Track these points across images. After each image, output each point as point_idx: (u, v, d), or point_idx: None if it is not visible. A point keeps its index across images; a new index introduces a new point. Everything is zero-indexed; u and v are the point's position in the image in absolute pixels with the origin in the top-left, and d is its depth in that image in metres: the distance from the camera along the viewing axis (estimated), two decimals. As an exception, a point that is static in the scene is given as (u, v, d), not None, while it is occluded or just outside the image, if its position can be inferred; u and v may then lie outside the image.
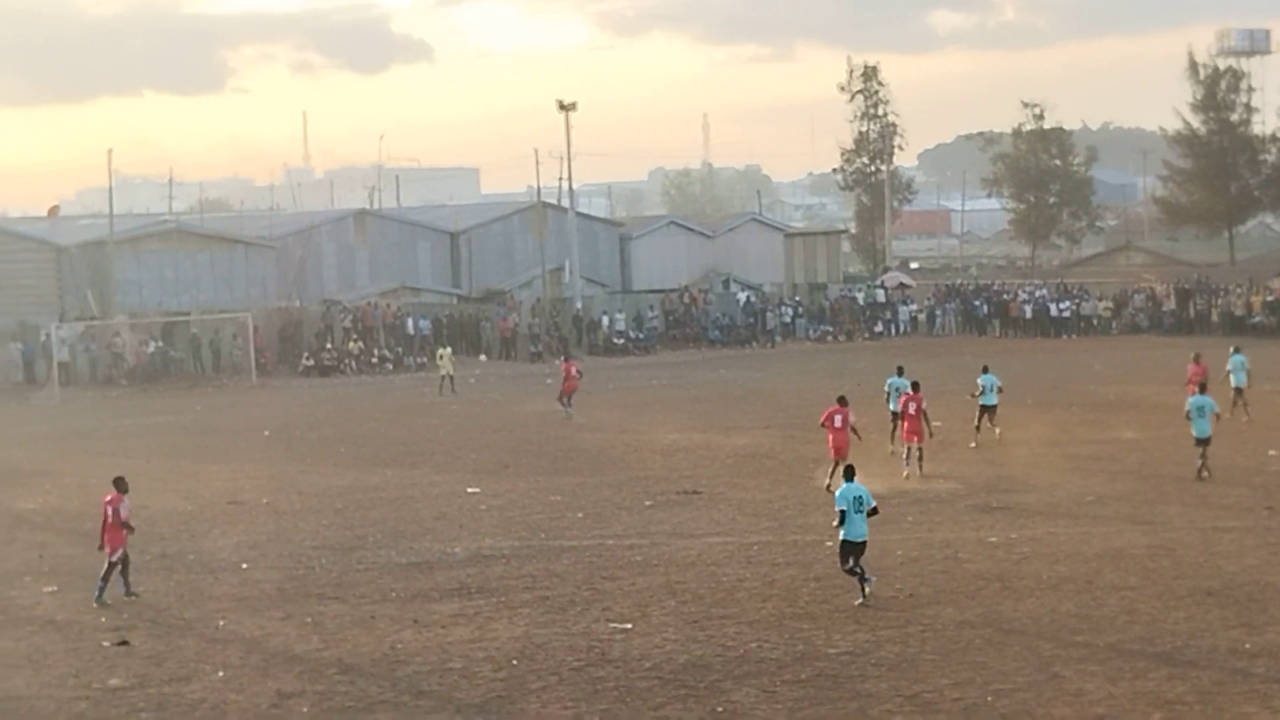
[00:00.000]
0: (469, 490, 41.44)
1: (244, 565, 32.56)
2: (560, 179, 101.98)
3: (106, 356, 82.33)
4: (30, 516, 40.17)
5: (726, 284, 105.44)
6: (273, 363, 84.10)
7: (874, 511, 27.83)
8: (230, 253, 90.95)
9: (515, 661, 24.22)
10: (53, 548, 35.51)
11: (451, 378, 70.45)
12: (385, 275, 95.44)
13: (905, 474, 41.17)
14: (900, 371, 46.48)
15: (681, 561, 31.52)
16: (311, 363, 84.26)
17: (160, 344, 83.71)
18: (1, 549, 35.60)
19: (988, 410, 46.52)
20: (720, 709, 21.42)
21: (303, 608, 28.52)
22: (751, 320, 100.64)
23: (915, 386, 42.87)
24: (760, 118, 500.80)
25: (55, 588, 30.95)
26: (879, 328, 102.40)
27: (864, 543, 27.62)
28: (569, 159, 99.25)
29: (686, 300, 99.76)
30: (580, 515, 37.09)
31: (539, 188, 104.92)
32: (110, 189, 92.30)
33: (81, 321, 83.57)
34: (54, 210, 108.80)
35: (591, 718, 21.20)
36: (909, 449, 41.85)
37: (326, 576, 31.28)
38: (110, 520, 29.74)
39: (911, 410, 41.83)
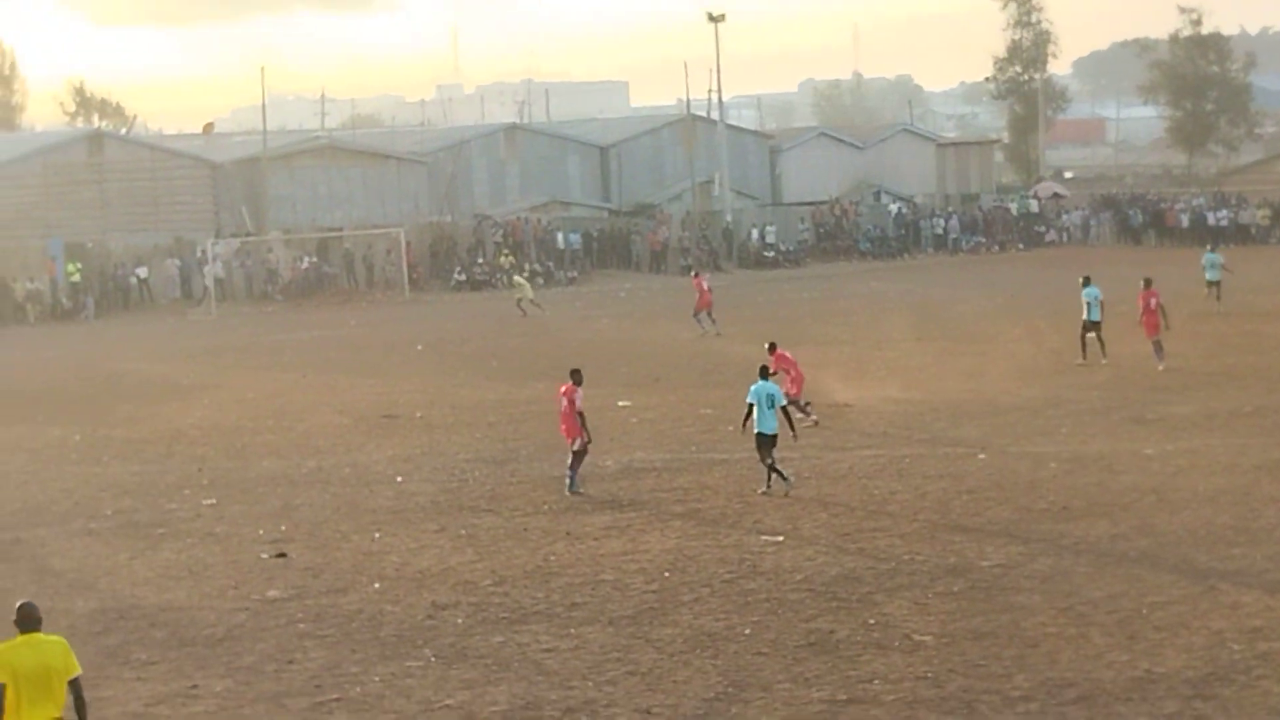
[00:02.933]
0: (620, 404, 41.56)
1: (399, 479, 32.89)
2: (710, 91, 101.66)
3: (261, 272, 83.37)
4: (188, 431, 40.77)
5: (878, 196, 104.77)
6: (424, 278, 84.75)
7: (784, 409, 30.07)
8: (382, 168, 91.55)
9: (667, 574, 24.31)
10: (211, 461, 36.04)
11: (534, 302, 69.27)
12: (535, 190, 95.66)
13: (1160, 367, 43.13)
14: (1087, 281, 45.72)
15: (833, 474, 31.47)
16: (463, 277, 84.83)
17: (314, 259, 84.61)
18: (161, 463, 36.19)
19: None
20: (872, 621, 21.40)
21: (457, 520, 28.78)
22: (903, 232, 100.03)
23: (1148, 283, 45.01)
24: (911, 27, 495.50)
25: (214, 500, 31.42)
26: (1032, 238, 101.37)
27: (775, 435, 29.54)
28: (718, 71, 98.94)
29: (837, 212, 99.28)
30: (731, 429, 37.05)
31: (688, 100, 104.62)
32: (264, 106, 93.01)
33: (237, 238, 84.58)
34: (209, 128, 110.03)
35: (743, 629, 21.24)
36: (1155, 343, 43.97)
37: (480, 489, 31.53)
38: (566, 410, 30.33)
39: (1151, 305, 44.22)
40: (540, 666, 20.13)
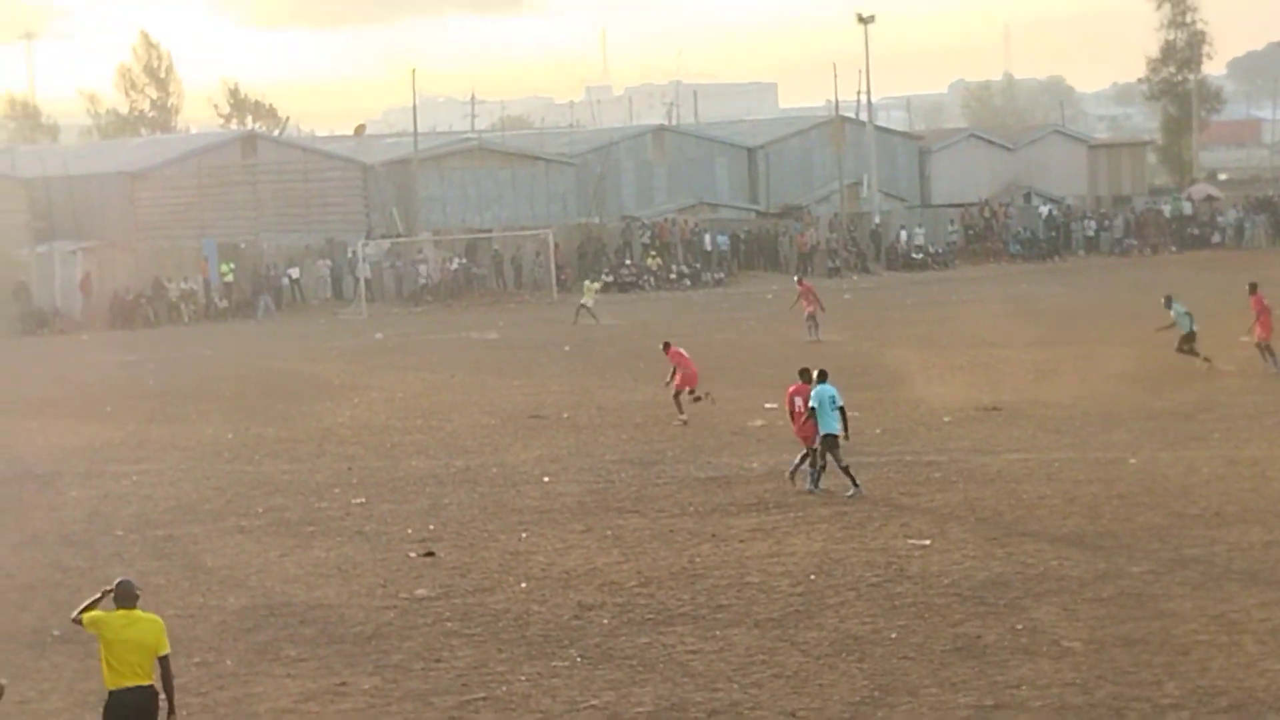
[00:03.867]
0: (766, 405, 41.44)
1: (545, 479, 33.03)
2: (859, 93, 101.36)
3: (411, 273, 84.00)
4: (339, 430, 41.17)
5: (1028, 197, 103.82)
6: (572, 278, 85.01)
7: (842, 409, 30.06)
8: (531, 170, 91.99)
9: (813, 576, 24.24)
10: (361, 460, 36.37)
11: (589, 309, 68.90)
12: (683, 191, 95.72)
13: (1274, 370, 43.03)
14: (1169, 301, 45.36)
15: (981, 478, 31.23)
16: (610, 278, 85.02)
17: (463, 260, 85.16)
18: (312, 461, 36.57)
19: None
20: (1020, 626, 21.22)
21: (603, 521, 28.85)
22: (1053, 234, 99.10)
23: (1254, 288, 44.77)
24: (1063, 26, 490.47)
25: (364, 499, 31.71)
26: (1186, 241, 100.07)
27: (837, 436, 29.91)
28: (868, 72, 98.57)
29: (987, 214, 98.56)
30: (878, 431, 36.92)
31: (837, 102, 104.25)
32: (414, 108, 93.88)
33: (387, 239, 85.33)
34: (360, 129, 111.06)
35: (889, 633, 21.14)
36: (1263, 347, 43.66)
37: (626, 490, 31.59)
38: (800, 410, 30.44)
39: (1262, 307, 43.99)
40: (685, 668, 20.14)
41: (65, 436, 41.70)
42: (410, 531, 28.64)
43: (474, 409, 43.69)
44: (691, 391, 40.31)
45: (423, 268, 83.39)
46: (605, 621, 22.33)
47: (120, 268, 79.34)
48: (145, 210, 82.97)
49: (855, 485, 29.89)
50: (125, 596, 15.96)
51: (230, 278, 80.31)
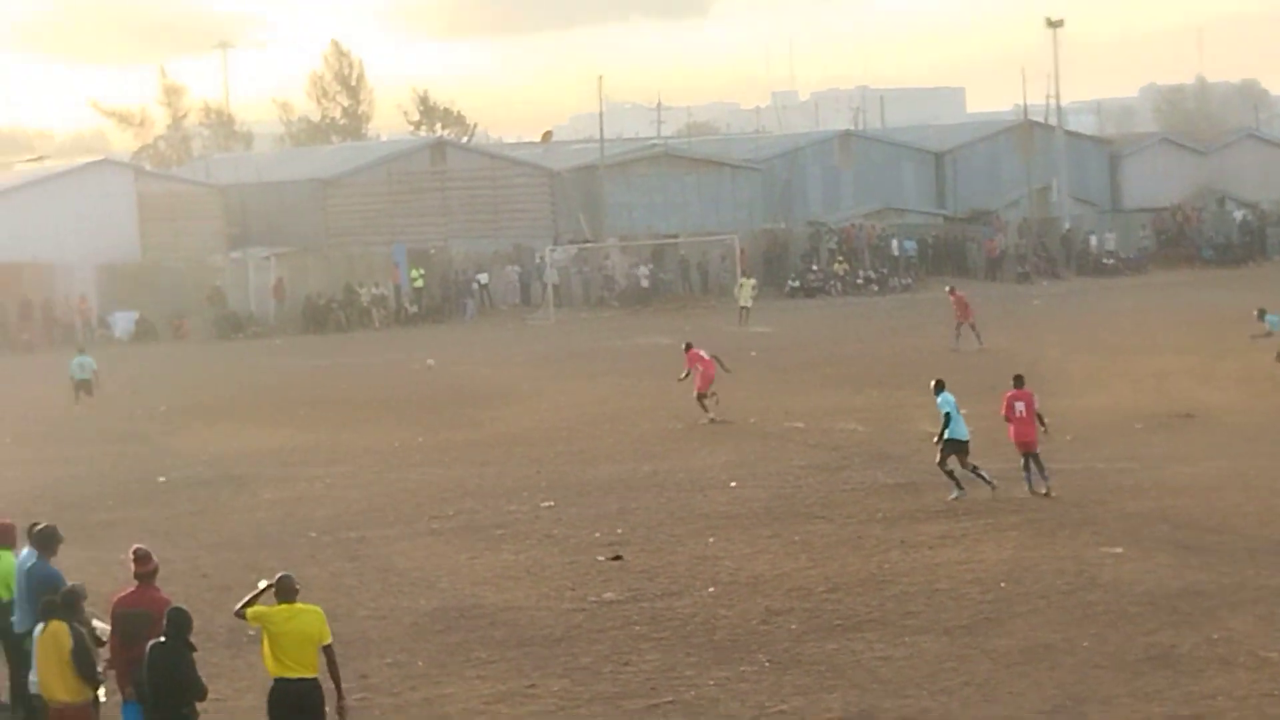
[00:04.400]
0: (955, 412, 41.15)
1: (732, 483, 33.04)
2: (1048, 97, 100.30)
3: (598, 278, 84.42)
4: (528, 434, 41.47)
5: (1221, 202, 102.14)
6: (759, 284, 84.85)
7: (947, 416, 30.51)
8: (717, 176, 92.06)
9: (1003, 584, 24.03)
10: (549, 464, 36.59)
11: (748, 310, 69.36)
12: (870, 196, 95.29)
13: None
14: (1262, 313, 44.36)
15: (1174, 486, 30.79)
16: (797, 284, 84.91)
17: (650, 266, 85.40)
18: (501, 465, 36.86)
19: None
20: (1215, 636, 20.89)
21: (790, 526, 28.81)
22: (1248, 239, 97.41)
23: None
24: (1257, 28, 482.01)
25: (552, 503, 31.91)
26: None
27: (969, 440, 30.39)
28: (1056, 76, 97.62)
29: (1179, 219, 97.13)
30: (1069, 438, 36.49)
31: (1026, 106, 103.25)
32: (601, 114, 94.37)
33: (574, 244, 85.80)
34: (547, 136, 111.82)
35: (1081, 642, 20.90)
36: None
37: (814, 495, 31.53)
38: (1023, 415, 30.43)
39: None
40: (874, 674, 20.06)
41: (260, 440, 42.38)
42: (598, 535, 28.78)
43: (661, 413, 43.80)
44: (703, 394, 42.08)
45: (611, 272, 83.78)
46: (793, 627, 22.30)
47: (312, 273, 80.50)
48: (337, 216, 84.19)
49: (960, 489, 30.25)
50: (286, 590, 16.60)
51: (420, 283, 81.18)
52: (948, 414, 30.51)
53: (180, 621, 15.93)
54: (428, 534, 29.65)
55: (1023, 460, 30.54)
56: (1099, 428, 38.02)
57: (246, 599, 16.94)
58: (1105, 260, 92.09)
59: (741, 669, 20.50)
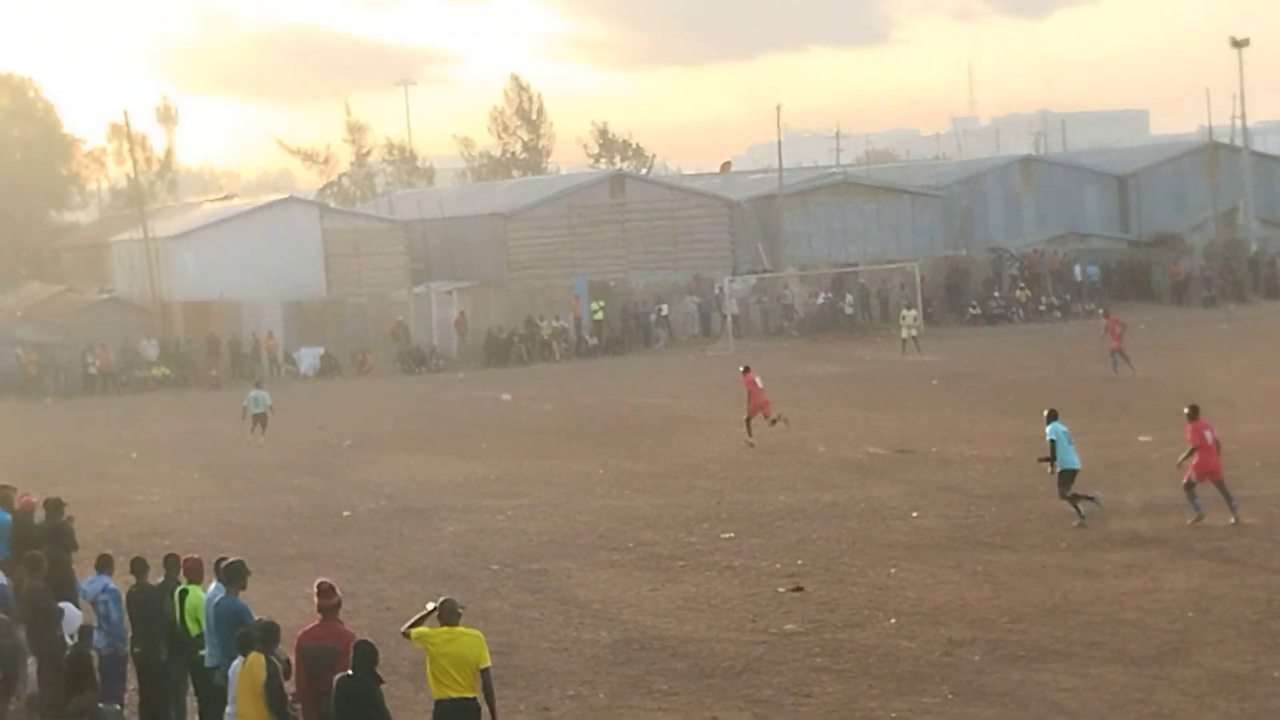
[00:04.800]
0: (1140, 439, 40.64)
1: (914, 513, 32.82)
2: (1234, 118, 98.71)
3: (777, 308, 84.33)
4: (707, 464, 41.47)
5: None
6: (939, 312, 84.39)
7: (1053, 443, 30.88)
8: (896, 203, 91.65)
9: (1190, 613, 23.65)
10: (728, 495, 36.57)
11: (915, 339, 69.11)
12: (1052, 221, 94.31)
13: None
14: None
15: (1368, 513, 30.12)
16: (978, 311, 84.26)
17: (829, 295, 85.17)
18: (680, 496, 36.89)
19: None
20: None
21: (972, 556, 28.56)
22: None
23: None
24: None
25: (732, 534, 31.87)
26: None
27: (1078, 470, 30.80)
28: (1242, 96, 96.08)
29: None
30: (1258, 464, 35.89)
31: (1211, 127, 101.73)
32: (779, 144, 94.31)
33: (753, 274, 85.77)
34: (726, 166, 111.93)
35: (1271, 672, 20.51)
36: None
37: (995, 525, 31.23)
38: (1211, 444, 30.25)
39: None
40: (1059, 706, 19.83)
41: (442, 472, 42.77)
42: (778, 566, 28.70)
43: (840, 443, 43.63)
44: (767, 417, 44.14)
45: (790, 301, 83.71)
46: (976, 658, 22.10)
47: (494, 306, 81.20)
48: (517, 250, 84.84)
49: (1081, 516, 30.53)
50: (448, 614, 17.15)
51: (600, 315, 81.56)
52: (1053, 441, 30.87)
53: (367, 654, 16.15)
54: (608, 565, 29.73)
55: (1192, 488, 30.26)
56: (1290, 454, 37.32)
57: (412, 620, 17.44)
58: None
59: (924, 700, 20.34)
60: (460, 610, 17.28)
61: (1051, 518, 31.42)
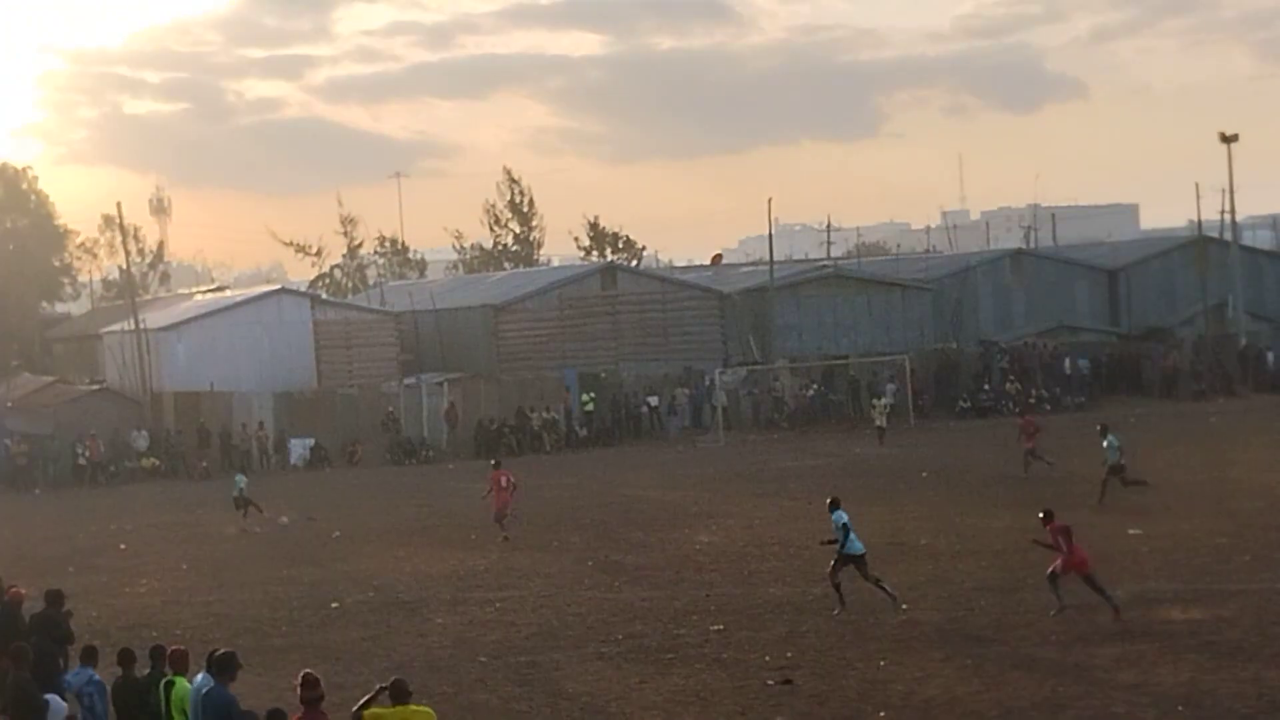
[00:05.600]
0: (1130, 531, 40.64)
1: (904, 606, 32.75)
2: (1223, 212, 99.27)
3: (768, 400, 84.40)
4: (696, 556, 41.42)
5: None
6: (930, 405, 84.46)
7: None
8: (887, 296, 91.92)
9: (1180, 708, 23.58)
10: (718, 587, 36.51)
11: (882, 431, 70.18)
12: (1042, 315, 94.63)
13: None
14: None
15: (1359, 607, 30.09)
16: (968, 404, 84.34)
17: (819, 387, 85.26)
18: (670, 588, 36.83)
19: None
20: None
21: (962, 649, 28.50)
22: None
23: None
24: None
25: (722, 626, 31.81)
26: None
27: (864, 554, 32.41)
28: (1231, 191, 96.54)
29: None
30: (1247, 558, 35.88)
31: (1200, 222, 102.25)
32: (770, 236, 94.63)
33: (744, 366, 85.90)
34: (717, 258, 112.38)
35: (1263, 767, 20.45)
36: None
37: (986, 618, 31.17)
38: (1072, 543, 31.06)
39: None
40: (1049, 801, 19.73)
41: (432, 564, 42.69)
42: (768, 659, 28.64)
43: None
44: (501, 517, 45.87)
45: (780, 393, 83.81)
46: (965, 752, 22.00)
47: (484, 398, 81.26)
48: (508, 341, 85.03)
49: (893, 597, 32.39)
50: (400, 692, 17.86)
51: (590, 407, 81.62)
52: (844, 526, 32.26)
53: None
54: (597, 658, 29.65)
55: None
56: (1279, 548, 37.29)
57: (364, 700, 17.91)
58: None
59: (913, 795, 20.25)
60: (410, 689, 17.89)
61: (1042, 610, 31.36)
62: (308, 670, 18.33)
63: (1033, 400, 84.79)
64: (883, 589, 32.35)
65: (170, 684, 20.12)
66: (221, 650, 19.62)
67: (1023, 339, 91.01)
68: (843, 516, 32.47)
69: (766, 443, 76.17)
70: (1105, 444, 47.39)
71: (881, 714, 24.31)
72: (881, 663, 27.79)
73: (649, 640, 30.96)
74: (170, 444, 77.12)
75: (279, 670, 28.48)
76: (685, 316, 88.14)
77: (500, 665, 29.48)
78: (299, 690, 17.74)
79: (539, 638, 31.92)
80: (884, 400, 75.29)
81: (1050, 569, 31.04)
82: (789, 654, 28.92)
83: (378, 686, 17.98)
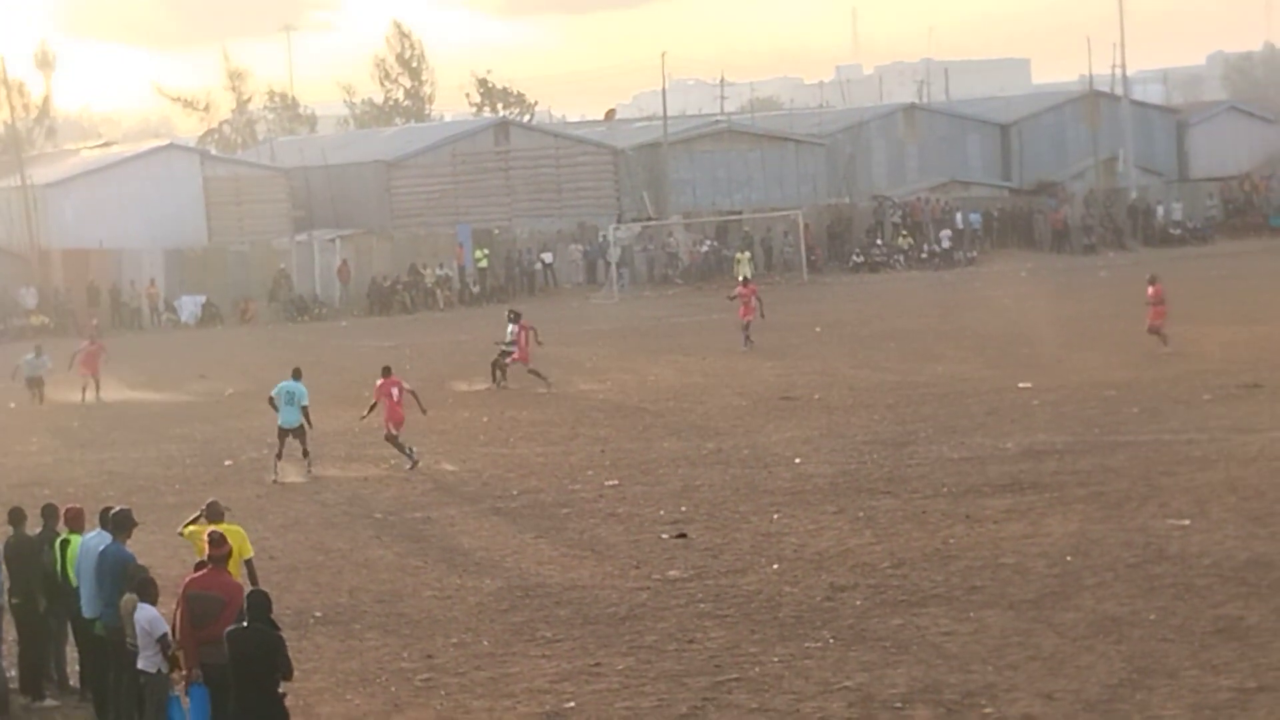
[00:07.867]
0: (1020, 385, 41.04)
1: (797, 460, 32.98)
2: (1114, 66, 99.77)
3: (662, 256, 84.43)
4: (591, 413, 41.50)
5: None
6: (823, 259, 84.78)
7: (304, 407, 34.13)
8: (781, 151, 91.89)
9: (1069, 558, 23.92)
10: (613, 443, 36.63)
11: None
12: (935, 170, 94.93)
13: None
14: None
15: (1242, 457, 30.55)
16: (861, 259, 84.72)
17: (713, 243, 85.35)
18: (565, 444, 36.92)
19: None
20: (1284, 608, 20.76)
21: (855, 502, 28.75)
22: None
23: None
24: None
25: (616, 481, 31.92)
26: None
27: (296, 427, 34.02)
28: (1122, 45, 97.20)
29: (1247, 188, 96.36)
30: (1135, 410, 36.34)
31: (1091, 76, 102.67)
32: (664, 91, 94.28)
33: (638, 222, 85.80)
34: (611, 114, 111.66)
35: (1148, 615, 20.79)
36: None
37: (878, 471, 31.44)
38: (395, 400, 34.34)
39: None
40: (939, 650, 20.01)
41: (325, 422, 42.39)
42: (663, 513, 28.79)
43: (725, 391, 43.76)
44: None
45: (675, 249, 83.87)
46: (858, 603, 22.26)
47: (377, 255, 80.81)
48: (401, 198, 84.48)
49: (308, 465, 34.34)
50: (214, 513, 20.10)
51: (484, 263, 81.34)
52: (272, 397, 34.44)
53: (263, 604, 16.01)
54: (492, 514, 29.73)
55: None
56: (1166, 399, 37.81)
57: (186, 522, 20.93)
58: (1172, 230, 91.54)
59: (806, 645, 20.47)
60: (224, 510, 20.36)
61: (933, 463, 31.71)
62: (213, 528, 18.35)
63: (924, 255, 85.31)
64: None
65: (65, 542, 20.00)
66: (117, 508, 19.51)
67: (915, 194, 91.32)
68: (287, 387, 34.38)
69: (661, 299, 76.29)
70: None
71: (775, 566, 24.50)
72: (775, 515, 28.00)
73: (544, 496, 31.05)
74: (59, 302, 76.32)
75: (172, 528, 28.34)
76: (579, 172, 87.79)
77: (396, 521, 29.52)
78: (206, 547, 17.67)
79: (434, 493, 31.98)
80: (748, 254, 75.54)
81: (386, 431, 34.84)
82: (683, 508, 29.08)
83: (199, 511, 20.45)
